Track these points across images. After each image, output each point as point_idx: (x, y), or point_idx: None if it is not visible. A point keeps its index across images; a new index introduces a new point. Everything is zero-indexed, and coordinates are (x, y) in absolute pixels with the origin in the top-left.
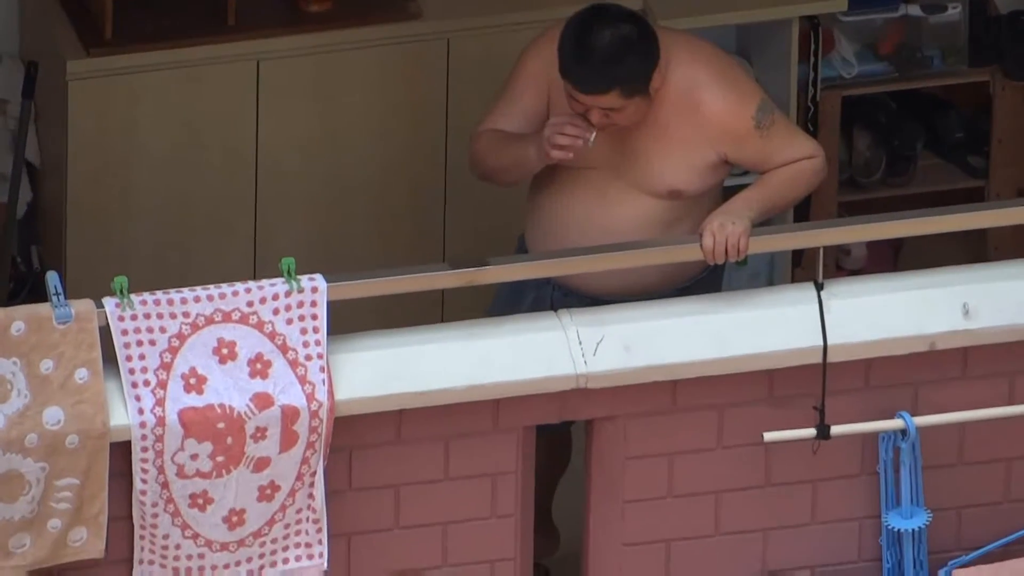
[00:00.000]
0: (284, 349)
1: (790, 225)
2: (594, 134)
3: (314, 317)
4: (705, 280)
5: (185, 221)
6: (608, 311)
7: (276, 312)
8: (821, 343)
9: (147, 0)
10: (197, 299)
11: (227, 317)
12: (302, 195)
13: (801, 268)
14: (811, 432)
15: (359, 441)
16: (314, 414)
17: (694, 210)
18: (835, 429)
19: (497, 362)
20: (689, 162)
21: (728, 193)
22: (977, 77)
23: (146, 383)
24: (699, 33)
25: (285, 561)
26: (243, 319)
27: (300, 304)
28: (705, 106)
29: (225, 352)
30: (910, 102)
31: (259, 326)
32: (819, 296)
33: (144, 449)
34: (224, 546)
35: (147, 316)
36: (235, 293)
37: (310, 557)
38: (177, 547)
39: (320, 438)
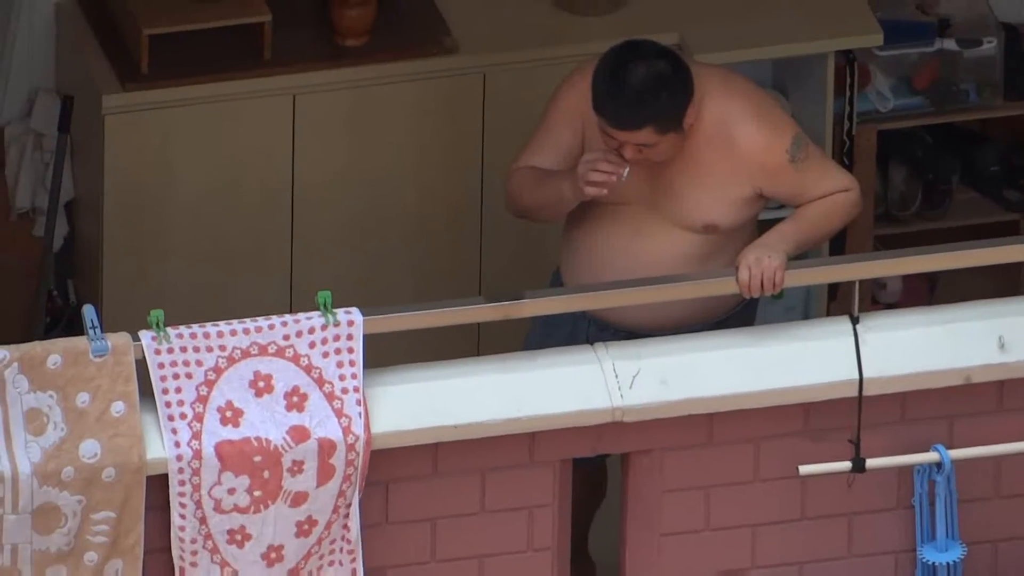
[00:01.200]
0: (320, 382)
1: (826, 259)
2: (627, 170)
3: (350, 350)
4: (740, 314)
5: (221, 254)
6: (644, 344)
7: (312, 345)
8: (857, 376)
9: (183, 34)
10: (233, 332)
11: (263, 350)
12: (338, 229)
13: (836, 302)
14: (847, 465)
15: (395, 474)
16: (350, 447)
17: (729, 244)
18: (871, 462)
19: (533, 395)
20: (724, 196)
21: (764, 227)
22: (1013, 111)
23: (182, 416)
24: (735, 68)
25: None
26: (279, 352)
27: (336, 337)
28: (739, 140)
29: (261, 385)
30: (946, 136)
31: (295, 359)
32: (855, 329)
33: (181, 483)
34: None
35: (183, 349)
36: (271, 326)
37: None
38: None
39: (356, 471)
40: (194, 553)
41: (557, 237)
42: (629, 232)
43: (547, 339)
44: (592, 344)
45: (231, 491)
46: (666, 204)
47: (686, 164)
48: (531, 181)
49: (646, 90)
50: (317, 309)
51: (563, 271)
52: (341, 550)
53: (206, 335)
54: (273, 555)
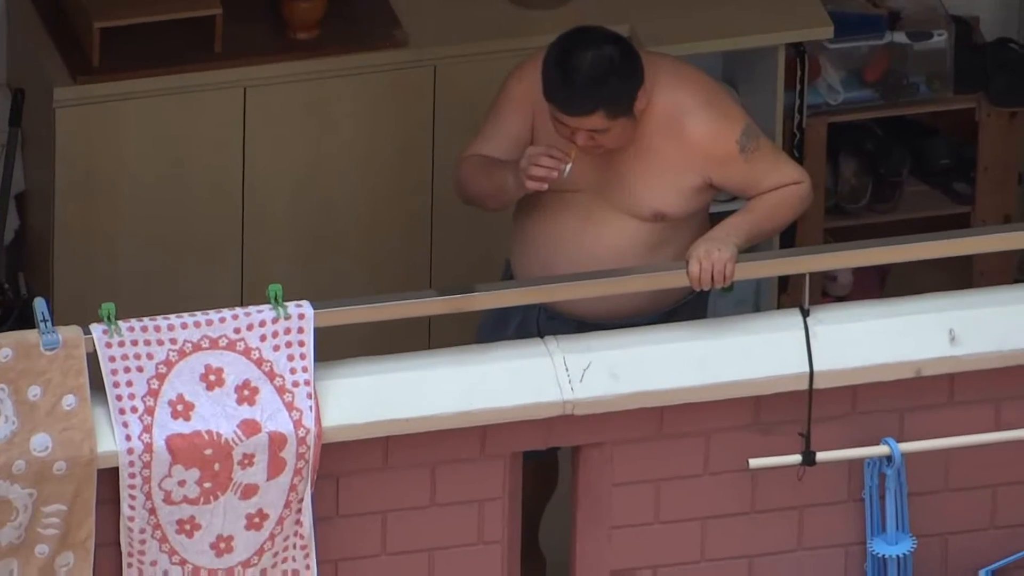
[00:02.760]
0: (271, 376)
1: (776, 251)
2: (569, 165)
3: (301, 344)
4: (691, 303)
5: (172, 247)
6: (595, 338)
7: (263, 339)
8: (807, 369)
9: (134, 27)
10: (184, 326)
11: (214, 344)
12: (289, 221)
13: (787, 294)
14: (797, 458)
15: (346, 468)
16: (301, 441)
17: (679, 234)
18: (821, 455)
19: (484, 389)
20: (674, 185)
21: (715, 219)
22: (963, 104)
23: (133, 410)
24: (686, 60)
25: None
26: (230, 346)
27: (287, 331)
28: (690, 129)
29: (212, 379)
30: (896, 129)
31: (246, 352)
32: (805, 322)
33: (132, 475)
34: (212, 573)
35: (134, 343)
36: (222, 320)
37: None
38: (165, 573)
39: (307, 465)
40: (142, 542)
41: (508, 228)
42: (579, 220)
43: (498, 327)
44: (542, 332)
45: (181, 483)
46: (616, 192)
47: (636, 152)
48: (478, 170)
49: (595, 75)
50: (268, 302)
51: (513, 259)
52: (295, 546)
53: (157, 328)
54: (222, 545)
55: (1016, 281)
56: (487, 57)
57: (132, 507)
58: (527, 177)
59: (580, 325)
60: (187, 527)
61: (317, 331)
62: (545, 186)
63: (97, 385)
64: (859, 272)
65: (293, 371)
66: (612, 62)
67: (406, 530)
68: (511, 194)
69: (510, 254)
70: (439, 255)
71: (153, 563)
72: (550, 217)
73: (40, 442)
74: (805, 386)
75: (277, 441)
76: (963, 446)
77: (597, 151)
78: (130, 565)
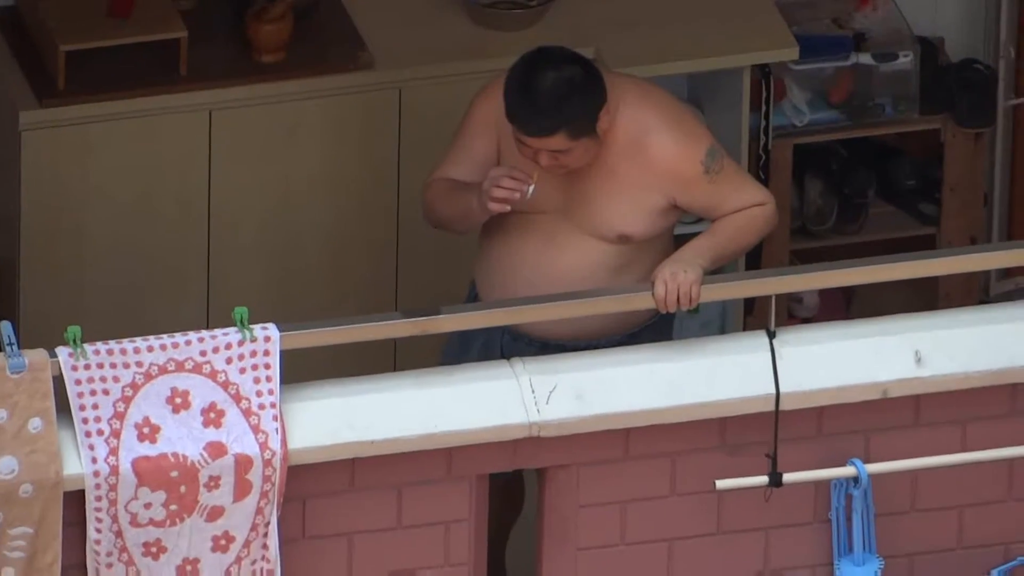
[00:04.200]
0: (237, 398)
1: (742, 273)
2: (532, 187)
3: (267, 366)
4: (656, 325)
5: (138, 271)
6: (561, 359)
7: (229, 361)
8: (773, 391)
9: (100, 50)
10: (150, 348)
11: (180, 366)
12: (255, 244)
13: (753, 316)
14: (763, 480)
15: (312, 490)
16: (267, 463)
17: (644, 255)
18: (787, 476)
19: (450, 411)
20: (638, 206)
21: (680, 241)
22: (928, 125)
23: (99, 432)
24: (651, 81)
25: None
26: (196, 368)
27: (253, 353)
28: (654, 150)
29: (178, 401)
30: (862, 150)
31: (212, 375)
32: (771, 344)
33: (98, 498)
34: None
35: (100, 366)
36: (188, 342)
37: None
38: None
39: (274, 487)
40: (109, 565)
41: (474, 250)
42: (543, 241)
43: (462, 351)
44: (506, 353)
45: (147, 506)
46: (580, 213)
47: (600, 173)
48: (444, 193)
49: (557, 96)
50: (234, 325)
51: (477, 280)
52: (262, 570)
53: (123, 351)
54: (188, 568)
55: (981, 302)
56: (452, 79)
57: (98, 530)
58: (489, 199)
59: (544, 346)
60: (153, 549)
61: (283, 354)
62: (507, 208)
63: (63, 408)
64: (825, 294)
65: (259, 393)
66: (573, 82)
67: (372, 552)
68: (476, 217)
69: (475, 275)
70: (405, 277)
71: None
72: (514, 239)
73: (6, 465)
74: (771, 407)
75: (243, 463)
76: (929, 467)
77: (560, 171)
78: None
